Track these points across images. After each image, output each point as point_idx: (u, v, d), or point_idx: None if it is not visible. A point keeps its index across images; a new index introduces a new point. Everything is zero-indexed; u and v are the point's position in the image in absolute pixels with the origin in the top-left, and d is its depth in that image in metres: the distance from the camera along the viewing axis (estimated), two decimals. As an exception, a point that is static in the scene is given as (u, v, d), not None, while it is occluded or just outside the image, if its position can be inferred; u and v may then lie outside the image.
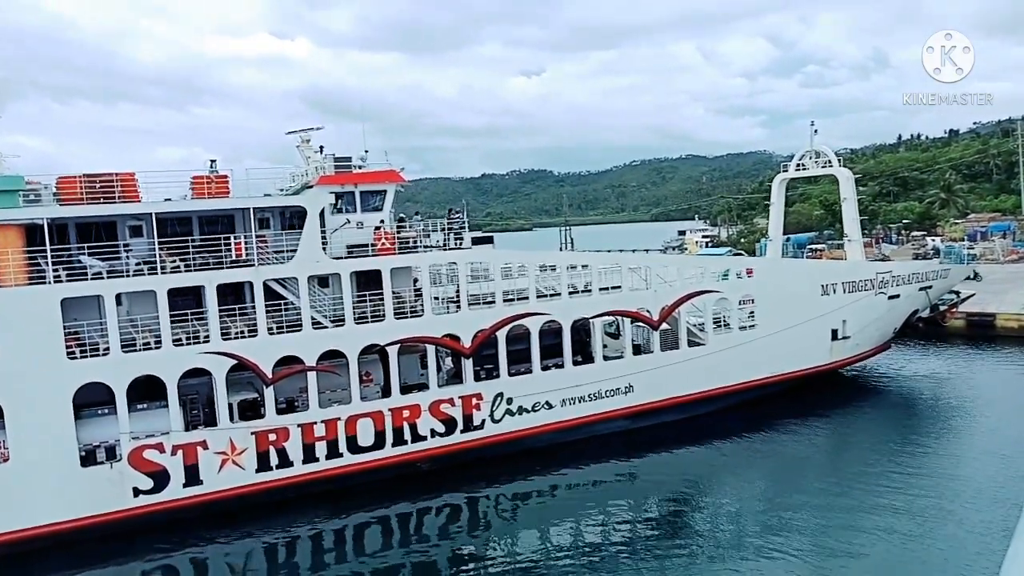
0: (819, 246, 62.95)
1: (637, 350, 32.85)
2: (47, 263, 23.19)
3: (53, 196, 25.45)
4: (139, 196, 25.95)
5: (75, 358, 23.31)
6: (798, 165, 43.38)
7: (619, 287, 32.04)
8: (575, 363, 30.95)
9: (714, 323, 34.12)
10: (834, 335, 36.77)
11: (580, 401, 30.81)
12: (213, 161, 29.17)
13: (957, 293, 43.90)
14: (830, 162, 41.64)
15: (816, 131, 42.30)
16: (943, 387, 38.62)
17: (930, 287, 40.50)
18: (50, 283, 23.09)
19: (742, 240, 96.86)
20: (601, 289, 31.65)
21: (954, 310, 44.87)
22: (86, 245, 24.42)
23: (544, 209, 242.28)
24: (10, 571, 22.31)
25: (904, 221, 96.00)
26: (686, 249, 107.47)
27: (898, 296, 38.83)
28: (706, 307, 33.81)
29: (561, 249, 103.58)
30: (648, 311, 32.21)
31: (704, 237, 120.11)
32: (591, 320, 31.09)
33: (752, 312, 34.92)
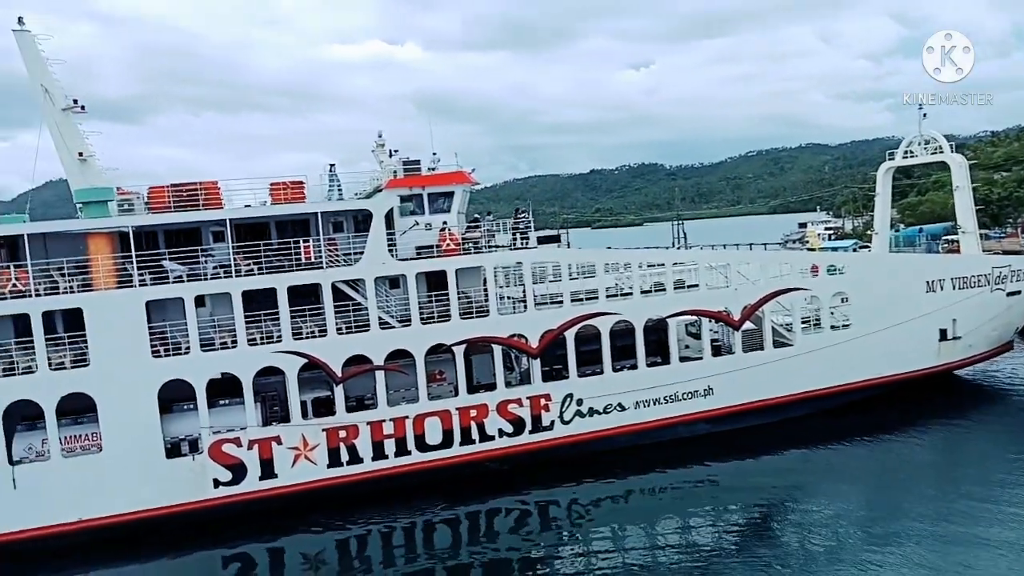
0: (954, 237, 57.87)
1: (717, 351, 31.52)
2: (133, 268, 24.87)
3: (145, 205, 27.28)
4: (222, 203, 27.43)
5: (159, 356, 24.89)
6: (906, 152, 40.29)
7: (696, 286, 30.85)
8: (650, 364, 30.06)
9: (803, 322, 32.23)
10: (942, 335, 33.89)
11: (655, 403, 29.89)
12: (332, 165, 30.96)
13: None
14: (941, 148, 38.40)
15: (925, 115, 39.12)
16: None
17: None
18: (136, 286, 24.77)
19: (868, 232, 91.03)
20: (676, 287, 30.55)
21: None
22: (167, 250, 25.97)
23: (655, 204, 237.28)
24: (101, 554, 24.12)
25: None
26: (807, 242, 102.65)
27: (1019, 292, 35.30)
28: (794, 306, 31.98)
29: (673, 244, 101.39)
30: (728, 310, 30.83)
31: (827, 229, 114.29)
32: (667, 320, 30.10)
33: (846, 311, 32.73)
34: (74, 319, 24.57)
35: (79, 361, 24.34)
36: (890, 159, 41.55)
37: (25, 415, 24.46)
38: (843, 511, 23.97)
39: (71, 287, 24.58)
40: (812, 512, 24.17)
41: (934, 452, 29.40)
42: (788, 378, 31.27)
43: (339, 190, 30.84)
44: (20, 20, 28.10)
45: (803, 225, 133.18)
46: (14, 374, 23.93)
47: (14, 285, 24.06)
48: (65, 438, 24.42)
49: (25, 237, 24.53)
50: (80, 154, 28.28)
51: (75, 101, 28.51)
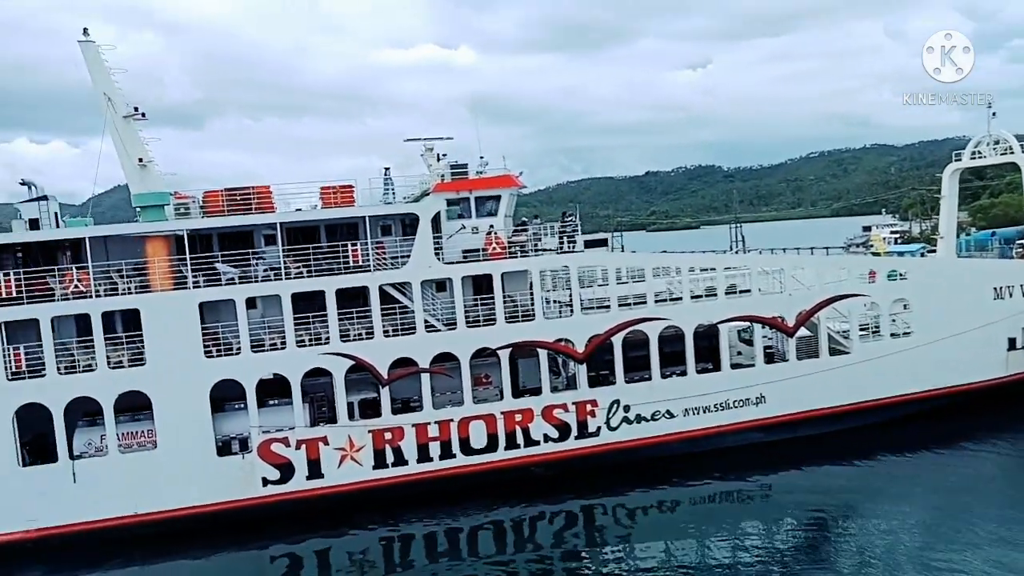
0: None
1: (771, 358, 30.68)
2: (188, 270, 25.56)
3: (200, 209, 28.03)
4: (273, 207, 27.98)
5: (211, 357, 25.50)
6: (974, 153, 38.57)
7: (748, 291, 30.10)
8: (700, 371, 29.46)
9: (862, 330, 31.12)
10: (1011, 344, 32.28)
11: (705, 411, 29.26)
12: (387, 169, 31.51)
13: None
14: (1011, 148, 36.63)
15: (994, 114, 37.39)
16: None
17: None
18: (190, 288, 25.45)
19: (934, 236, 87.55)
20: (728, 293, 29.86)
21: None
22: (220, 253, 26.60)
23: (712, 206, 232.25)
24: (154, 548, 24.81)
25: None
26: (872, 246, 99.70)
27: (1097, 300, 33.33)
28: (852, 312, 30.90)
29: (731, 248, 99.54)
30: (782, 316, 29.98)
31: (893, 233, 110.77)
32: (718, 326, 29.44)
33: (908, 318, 31.48)
34: (132, 319, 25.40)
35: (136, 360, 25.13)
36: (957, 160, 39.85)
37: (87, 412, 25.40)
38: (902, 528, 23.02)
39: (129, 288, 25.41)
40: (868, 529, 23.21)
41: (1002, 469, 27.98)
42: (845, 387, 30.22)
43: (393, 193, 31.21)
44: (85, 31, 29.15)
45: (867, 228, 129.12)
46: (75, 372, 24.83)
47: (76, 286, 24.98)
48: (122, 434, 25.23)
49: (87, 240, 25.45)
50: (140, 160, 29.14)
51: (136, 109, 29.43)
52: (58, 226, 27.76)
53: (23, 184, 29.32)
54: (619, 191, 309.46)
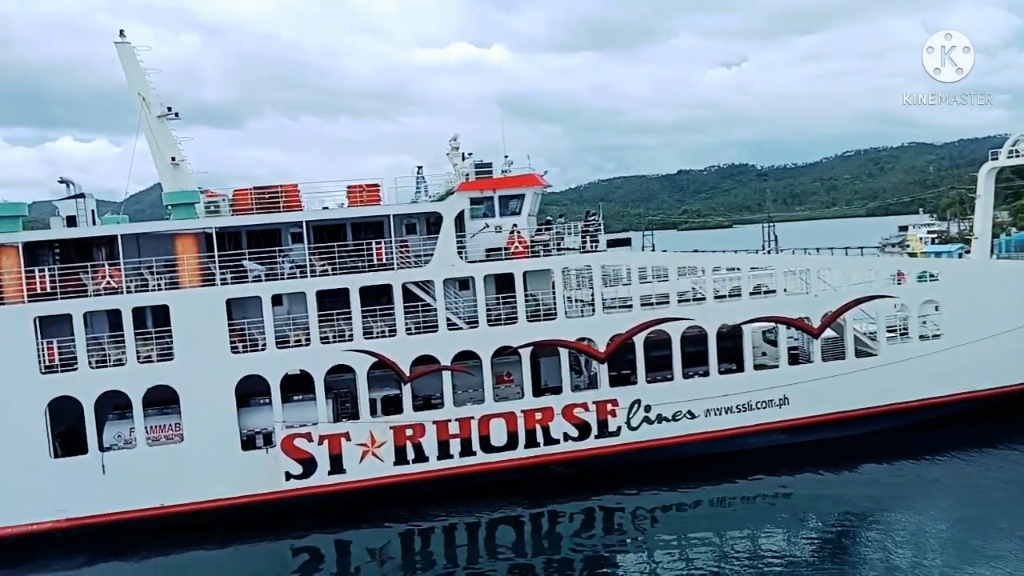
0: None
1: (795, 359, 30.35)
2: (215, 267, 26.07)
3: (230, 206, 28.55)
4: (301, 205, 28.42)
5: (237, 352, 25.99)
6: (1011, 152, 37.65)
7: (773, 291, 29.82)
8: (723, 371, 29.26)
9: (890, 331, 30.64)
10: (1046, 348, 31.52)
11: (727, 412, 29.07)
12: (420, 167, 31.88)
13: None
14: (1050, 147, 35.71)
15: (1033, 111, 36.56)
16: None
17: None
18: (217, 285, 25.96)
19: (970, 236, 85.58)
20: (752, 293, 29.62)
21: None
22: (248, 251, 27.07)
23: (745, 205, 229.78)
24: (179, 538, 25.37)
25: None
26: (908, 246, 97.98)
27: None
28: (879, 314, 30.44)
29: (764, 247, 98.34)
30: (807, 317, 29.65)
31: (930, 233, 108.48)
32: (741, 326, 29.22)
33: (938, 320, 30.92)
34: (162, 315, 25.99)
35: (165, 355, 25.70)
36: (993, 159, 38.96)
37: (117, 405, 26.05)
38: (928, 537, 22.67)
39: (159, 285, 26.00)
40: (894, 532, 22.95)
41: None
42: (871, 389, 29.80)
43: (426, 192, 31.49)
44: (121, 32, 29.87)
45: (904, 228, 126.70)
46: (106, 366, 25.48)
47: (108, 282, 25.63)
48: (151, 427, 25.83)
49: (119, 237, 26.10)
50: (173, 159, 29.80)
51: (169, 108, 30.09)
52: (94, 223, 28.51)
53: (61, 182, 30.17)
54: (651, 190, 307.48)
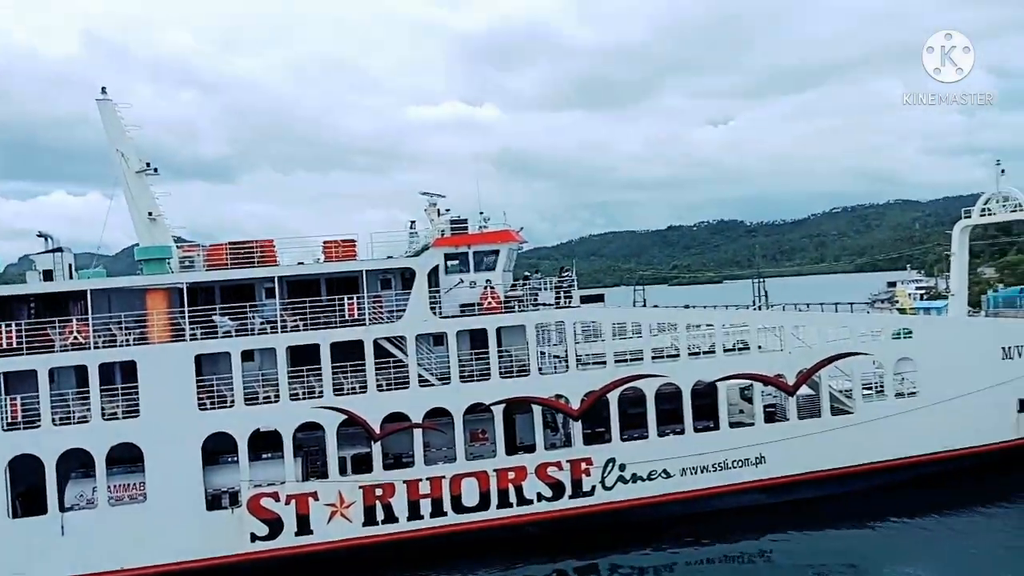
0: None
1: (772, 417, 30.16)
2: (185, 322, 25.89)
3: (204, 262, 28.51)
4: (276, 260, 28.42)
5: (205, 408, 25.62)
6: (984, 210, 38.30)
7: (747, 348, 29.80)
8: (699, 429, 29.01)
9: (866, 389, 30.56)
10: (1021, 406, 31.47)
11: (703, 471, 28.71)
12: (412, 222, 32.39)
13: None
14: (1020, 205, 36.34)
15: (1003, 171, 37.28)
16: None
17: None
18: (187, 340, 25.74)
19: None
20: (727, 350, 29.59)
21: None
22: (219, 306, 26.94)
23: (735, 261, 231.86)
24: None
25: None
26: (897, 302, 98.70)
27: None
28: (855, 371, 30.40)
29: (753, 303, 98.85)
30: (782, 375, 29.57)
31: (919, 289, 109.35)
32: (716, 383, 29.10)
33: (913, 377, 30.90)
34: (130, 371, 25.66)
35: (131, 412, 25.30)
36: (966, 217, 39.58)
37: (83, 463, 25.51)
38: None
39: (128, 340, 25.75)
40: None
41: (1010, 538, 26.97)
42: (847, 448, 29.57)
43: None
44: (103, 90, 30.24)
45: (892, 284, 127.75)
46: (70, 423, 25.04)
47: (75, 338, 25.38)
48: (113, 487, 25.24)
49: (89, 292, 25.96)
50: (150, 213, 29.86)
51: (148, 164, 30.26)
52: (71, 277, 28.34)
53: (40, 236, 30.10)
54: (641, 245, 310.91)
